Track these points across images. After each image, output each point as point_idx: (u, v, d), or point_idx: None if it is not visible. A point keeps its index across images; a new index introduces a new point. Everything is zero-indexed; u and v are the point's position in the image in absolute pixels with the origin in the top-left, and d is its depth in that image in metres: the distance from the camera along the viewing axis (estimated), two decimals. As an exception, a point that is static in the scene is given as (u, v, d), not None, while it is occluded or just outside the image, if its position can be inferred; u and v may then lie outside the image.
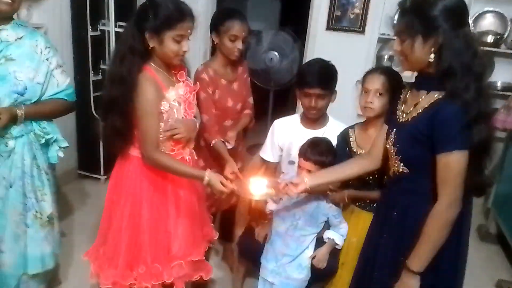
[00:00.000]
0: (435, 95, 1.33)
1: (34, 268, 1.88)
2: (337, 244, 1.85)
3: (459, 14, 1.29)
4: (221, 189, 1.61)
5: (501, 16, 3.51)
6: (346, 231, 1.84)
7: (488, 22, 3.52)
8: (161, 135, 1.64)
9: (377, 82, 1.76)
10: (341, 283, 1.92)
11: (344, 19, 3.54)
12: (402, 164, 1.41)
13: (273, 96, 4.43)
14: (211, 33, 2.15)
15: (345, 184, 1.85)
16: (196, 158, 1.88)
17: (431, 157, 1.32)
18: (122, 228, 1.69)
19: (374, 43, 3.48)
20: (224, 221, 2.45)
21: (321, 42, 3.64)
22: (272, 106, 4.44)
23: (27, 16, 2.92)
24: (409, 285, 1.38)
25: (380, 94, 1.75)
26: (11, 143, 1.72)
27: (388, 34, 3.48)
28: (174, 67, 1.71)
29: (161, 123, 1.63)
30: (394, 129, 1.46)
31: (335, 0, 3.50)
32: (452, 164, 1.28)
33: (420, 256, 1.36)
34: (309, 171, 1.74)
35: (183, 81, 1.74)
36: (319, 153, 1.77)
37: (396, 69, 3.51)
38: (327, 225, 1.88)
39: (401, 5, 1.35)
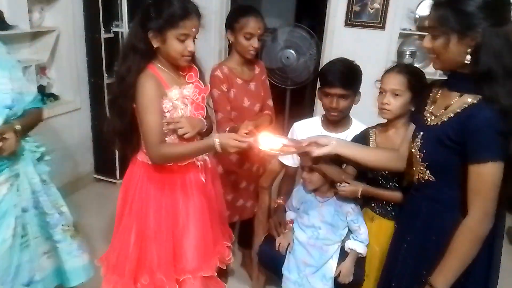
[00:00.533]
0: (469, 99, 1.21)
1: (78, 280, 1.84)
2: (360, 253, 1.74)
3: (500, 10, 1.16)
4: (235, 144, 1.46)
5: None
6: (366, 236, 1.74)
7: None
8: (164, 130, 1.56)
9: (393, 82, 1.65)
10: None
11: (363, 14, 3.40)
12: (428, 172, 1.31)
13: (290, 95, 4.33)
14: (226, 31, 2.08)
15: (357, 177, 1.76)
16: (209, 165, 1.78)
17: (462, 165, 1.22)
18: (129, 234, 1.63)
19: (395, 38, 3.34)
20: (244, 227, 2.38)
21: (340, 39, 3.52)
22: (289, 105, 4.34)
23: (40, 19, 2.89)
24: None
25: (397, 94, 1.64)
26: (15, 166, 1.59)
27: (410, 29, 3.34)
28: (183, 68, 1.64)
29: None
30: (422, 132, 1.34)
31: (354, -6, 3.36)
32: (485, 175, 1.17)
33: (446, 274, 1.25)
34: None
35: (193, 83, 1.67)
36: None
37: (418, 65, 3.42)
38: (350, 233, 1.78)
39: None
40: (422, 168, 1.32)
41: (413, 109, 1.67)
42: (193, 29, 1.51)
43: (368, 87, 1.88)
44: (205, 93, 1.71)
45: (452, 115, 1.24)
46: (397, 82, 1.64)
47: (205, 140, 1.56)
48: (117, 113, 1.56)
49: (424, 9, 3.26)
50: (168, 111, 1.56)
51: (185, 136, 1.59)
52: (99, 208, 3.14)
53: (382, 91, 1.69)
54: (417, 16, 3.28)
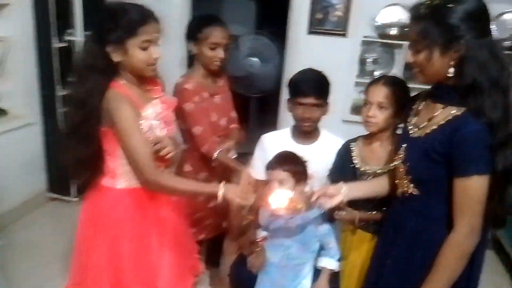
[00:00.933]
0: (453, 111, 1.19)
1: None
2: (332, 270, 1.68)
3: (482, 21, 1.15)
4: (240, 202, 1.41)
5: None
6: (336, 250, 1.69)
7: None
8: None
9: (379, 94, 1.61)
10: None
11: (326, 22, 3.39)
12: (412, 185, 1.27)
13: (255, 103, 4.26)
14: (188, 42, 1.97)
15: (353, 203, 1.68)
16: None
17: (447, 179, 1.18)
18: (102, 268, 1.49)
19: (357, 46, 3.35)
20: (211, 246, 2.27)
21: (303, 46, 3.49)
22: (254, 114, 4.28)
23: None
24: None
25: (382, 107, 1.60)
26: None
27: (371, 37, 3.36)
28: (148, 82, 1.52)
29: None
30: (405, 144, 1.31)
31: (316, 2, 3.35)
32: (471, 189, 1.14)
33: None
34: (280, 182, 1.59)
35: (159, 98, 1.56)
36: (286, 160, 1.64)
37: (380, 72, 3.45)
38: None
39: (414, 11, 1.19)
40: (406, 181, 1.29)
41: (398, 123, 1.64)
42: (155, 34, 1.41)
43: (332, 94, 1.84)
44: (173, 106, 1.61)
45: (436, 127, 1.21)
46: (383, 94, 1.60)
47: (209, 186, 1.51)
48: (81, 141, 1.42)
49: (385, 17, 3.30)
50: (145, 132, 1.43)
51: (168, 155, 1.49)
52: (55, 229, 2.93)
53: (367, 103, 1.65)
54: (378, 24, 3.31)
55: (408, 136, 1.32)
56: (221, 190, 1.41)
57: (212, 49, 1.89)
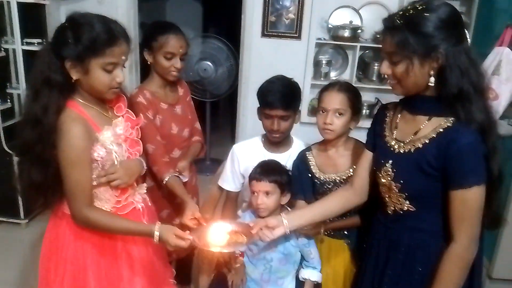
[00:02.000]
0: (442, 122, 1.18)
1: None
2: (315, 281, 1.67)
3: (457, 27, 1.15)
4: (177, 243, 1.32)
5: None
6: (318, 260, 1.67)
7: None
8: (94, 182, 1.34)
9: (335, 101, 1.59)
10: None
11: (279, 25, 3.39)
12: (408, 202, 1.25)
13: (210, 107, 4.18)
14: (142, 51, 1.86)
15: None
16: (150, 204, 1.59)
17: (442, 192, 1.18)
18: None
19: (311, 48, 3.38)
20: (180, 263, 2.16)
21: (257, 49, 3.47)
22: (210, 118, 4.19)
23: None
24: None
25: (340, 113, 1.59)
26: None
27: (324, 39, 3.41)
28: (110, 100, 1.40)
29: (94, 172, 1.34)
30: (390, 161, 1.28)
31: (269, 5, 3.34)
32: (470, 201, 1.15)
33: None
34: (266, 193, 1.56)
35: (123, 115, 1.44)
36: (272, 170, 1.60)
37: (334, 73, 3.51)
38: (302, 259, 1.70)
39: (389, 22, 1.18)
40: (400, 199, 1.27)
41: (352, 128, 1.65)
42: (123, 57, 1.29)
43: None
44: (137, 124, 1.49)
45: (427, 141, 1.19)
46: (339, 101, 1.59)
47: (144, 226, 1.39)
48: (35, 163, 1.27)
49: (337, 19, 3.36)
50: (101, 158, 1.32)
51: (120, 186, 1.38)
52: (4, 256, 2.66)
53: (323, 111, 1.63)
54: (330, 26, 3.36)
55: (391, 151, 1.29)
56: (156, 231, 1.32)
57: (168, 58, 1.79)
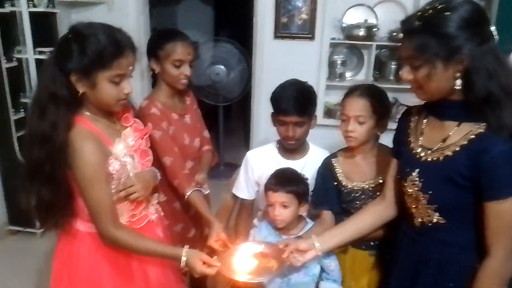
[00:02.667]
0: (473, 128, 1.10)
1: None
2: None
3: (481, 26, 1.06)
4: (204, 271, 1.29)
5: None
6: (339, 273, 1.59)
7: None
8: (113, 198, 1.30)
9: (355, 108, 1.51)
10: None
11: (292, 26, 3.33)
12: (437, 214, 1.17)
13: (223, 111, 4.13)
14: (149, 60, 1.80)
15: None
16: (162, 214, 1.54)
17: (474, 203, 1.11)
18: None
19: (325, 48, 3.30)
20: (194, 280, 2.10)
21: (270, 51, 3.41)
22: (223, 123, 4.14)
23: None
24: None
25: (361, 121, 1.51)
26: None
27: (338, 38, 3.33)
28: (116, 112, 1.36)
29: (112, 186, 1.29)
30: (417, 170, 1.20)
31: (280, 6, 3.27)
32: (506, 213, 1.07)
33: None
34: (283, 205, 1.49)
35: (130, 126, 1.39)
36: (288, 180, 1.53)
37: (350, 74, 3.43)
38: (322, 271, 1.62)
39: (406, 25, 1.10)
40: (429, 211, 1.19)
41: (379, 133, 1.56)
42: (130, 68, 1.24)
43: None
44: (146, 134, 1.45)
45: (458, 149, 1.11)
46: (360, 107, 1.51)
47: (171, 250, 1.36)
48: (45, 182, 1.22)
49: (350, 18, 3.28)
50: (116, 171, 1.28)
51: (138, 199, 1.35)
52: (18, 266, 2.66)
53: (345, 118, 1.55)
54: (344, 25, 3.28)
55: (416, 159, 1.21)
56: (184, 256, 1.29)
57: (177, 66, 1.73)
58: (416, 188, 1.20)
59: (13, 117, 2.79)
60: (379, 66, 3.37)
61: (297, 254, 1.35)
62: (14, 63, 2.82)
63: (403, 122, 1.32)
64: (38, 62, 2.87)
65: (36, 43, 2.86)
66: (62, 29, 3.03)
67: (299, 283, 1.55)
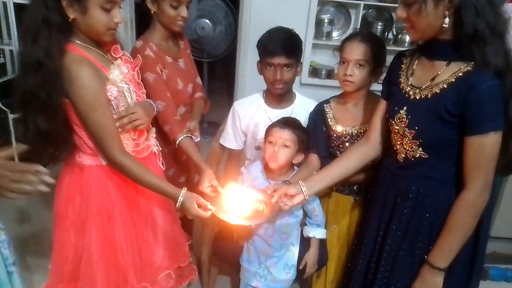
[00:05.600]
0: (462, 67, 1.14)
1: None
2: (321, 239, 1.67)
3: None
4: (198, 214, 1.36)
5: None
6: (323, 218, 1.67)
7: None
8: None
9: (357, 52, 1.54)
10: (325, 273, 1.79)
11: (280, -19, 3.26)
12: (421, 149, 1.23)
13: (207, 67, 4.09)
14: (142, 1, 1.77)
15: None
16: (160, 148, 1.57)
17: (458, 139, 1.16)
18: (95, 255, 1.36)
19: (313, 6, 3.25)
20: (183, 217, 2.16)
21: (257, 7, 3.34)
22: (207, 80, 4.11)
23: None
24: (433, 284, 1.24)
25: (361, 65, 1.55)
26: None
27: (326, -4, 3.30)
28: (105, 43, 1.35)
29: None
30: (405, 107, 1.25)
31: (270, -41, 3.20)
32: (487, 147, 1.13)
33: (447, 250, 1.22)
34: (285, 144, 1.54)
35: (120, 57, 1.39)
36: (295, 125, 1.59)
37: (337, 33, 3.42)
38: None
39: None
40: (414, 146, 1.25)
41: (373, 81, 1.60)
42: None
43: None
44: (137, 66, 1.45)
45: (445, 86, 1.16)
46: (361, 51, 1.54)
47: (171, 188, 1.38)
48: (41, 111, 1.22)
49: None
50: (114, 98, 1.29)
51: (140, 127, 1.37)
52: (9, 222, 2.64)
53: (344, 61, 1.58)
54: (332, -18, 3.24)
55: (406, 98, 1.26)
56: (181, 197, 1.35)
57: (174, 7, 1.70)
58: (403, 125, 1.26)
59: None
60: (366, 27, 3.36)
61: (285, 199, 1.39)
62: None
63: (396, 64, 1.36)
64: (17, 6, 2.76)
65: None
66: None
67: (285, 225, 1.62)
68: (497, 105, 1.11)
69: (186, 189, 1.38)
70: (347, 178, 1.52)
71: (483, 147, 1.13)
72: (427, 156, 1.24)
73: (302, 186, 1.41)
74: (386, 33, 3.29)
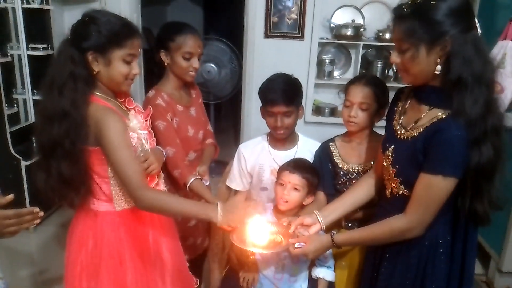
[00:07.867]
0: (439, 113, 1.18)
1: None
2: (330, 281, 1.66)
3: (466, 16, 1.14)
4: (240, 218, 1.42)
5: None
6: (331, 259, 1.66)
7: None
8: None
9: (360, 95, 1.61)
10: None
11: (282, 25, 3.41)
12: (402, 186, 1.27)
13: (214, 109, 4.19)
14: (158, 52, 1.86)
15: None
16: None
17: None
18: None
19: (314, 47, 3.39)
20: (192, 259, 2.16)
21: (260, 50, 3.48)
22: (214, 120, 4.20)
23: None
24: (323, 243, 1.39)
25: (365, 108, 1.61)
26: None
27: (327, 38, 3.42)
28: (120, 95, 1.44)
29: None
30: (393, 146, 1.30)
31: (271, 6, 3.36)
32: (434, 187, 1.16)
33: (352, 241, 1.41)
34: (295, 188, 1.58)
35: (133, 108, 1.48)
36: (306, 168, 1.63)
37: (338, 72, 3.52)
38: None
39: (397, 11, 1.18)
40: (396, 183, 1.28)
41: (376, 121, 1.66)
42: (139, 49, 1.36)
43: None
44: (148, 116, 1.54)
45: (421, 130, 1.20)
46: (364, 95, 1.60)
47: (204, 210, 1.39)
48: (64, 158, 1.28)
49: (338, 18, 3.37)
50: (134, 144, 1.37)
51: (152, 172, 1.43)
52: (13, 261, 2.66)
53: (348, 103, 1.65)
54: (332, 25, 3.37)
55: (395, 137, 1.30)
56: (219, 216, 1.35)
57: (187, 59, 1.79)
58: (388, 162, 1.31)
59: (6, 112, 2.80)
60: (366, 65, 3.47)
61: (301, 229, 1.43)
62: (7, 59, 2.84)
63: (395, 100, 1.41)
64: (31, 58, 2.90)
65: (30, 39, 2.89)
66: (56, 26, 3.06)
67: (294, 268, 1.62)
68: (455, 153, 1.13)
69: (220, 203, 1.40)
70: (358, 208, 1.55)
71: (431, 186, 1.17)
72: (409, 193, 1.26)
73: (318, 216, 1.45)
74: (386, 71, 3.38)
